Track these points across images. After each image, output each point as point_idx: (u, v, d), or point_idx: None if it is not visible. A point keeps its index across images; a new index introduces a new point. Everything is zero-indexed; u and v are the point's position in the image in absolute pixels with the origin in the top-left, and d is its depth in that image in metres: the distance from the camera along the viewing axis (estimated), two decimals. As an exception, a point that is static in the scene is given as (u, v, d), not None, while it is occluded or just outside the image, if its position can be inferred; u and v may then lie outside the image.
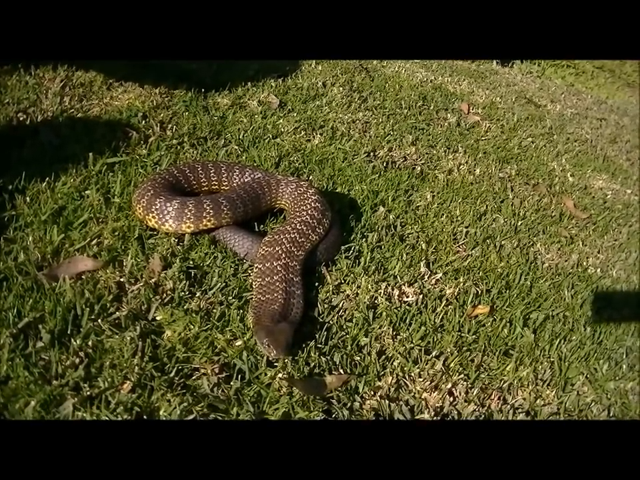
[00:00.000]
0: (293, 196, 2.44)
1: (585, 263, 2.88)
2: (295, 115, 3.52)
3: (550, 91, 5.83)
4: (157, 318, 1.87)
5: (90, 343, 1.71)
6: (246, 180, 2.49)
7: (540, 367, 2.12)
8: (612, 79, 7.80)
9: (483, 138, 4.01)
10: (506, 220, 3.02)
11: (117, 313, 1.83)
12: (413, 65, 5.18)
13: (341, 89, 4.08)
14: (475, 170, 3.48)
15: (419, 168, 3.32)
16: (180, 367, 1.72)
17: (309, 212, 2.32)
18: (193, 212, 2.18)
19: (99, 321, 1.78)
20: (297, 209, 2.37)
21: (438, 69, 5.32)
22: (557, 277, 2.67)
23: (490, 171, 3.52)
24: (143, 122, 2.98)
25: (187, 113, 3.19)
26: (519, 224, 3.03)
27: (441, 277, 2.40)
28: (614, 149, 4.68)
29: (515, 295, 2.43)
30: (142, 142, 2.79)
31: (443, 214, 2.89)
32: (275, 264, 2.08)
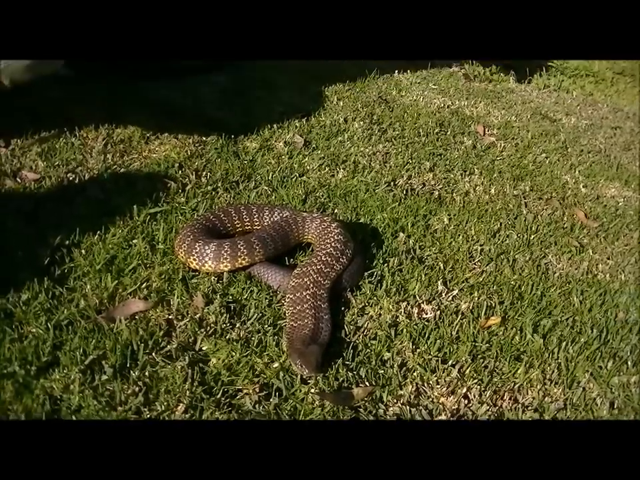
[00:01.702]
0: (318, 231, 2.68)
1: (594, 270, 3.06)
2: (319, 152, 3.76)
3: (566, 104, 5.96)
4: (203, 348, 2.12)
5: (147, 373, 1.96)
6: (275, 219, 2.73)
7: (548, 368, 2.32)
8: (632, 84, 7.83)
9: (498, 158, 4.19)
10: (519, 235, 3.22)
11: (168, 346, 2.08)
12: (430, 92, 5.38)
13: (362, 122, 4.30)
14: (490, 190, 3.68)
15: (437, 193, 3.54)
16: (225, 389, 1.97)
17: (333, 244, 2.56)
18: (229, 252, 2.43)
19: (153, 354, 2.04)
20: (322, 242, 2.62)
21: (455, 94, 5.47)
22: (566, 284, 2.86)
23: (505, 190, 3.72)
24: (180, 171, 3.24)
25: (219, 160, 3.44)
26: (532, 238, 3.22)
27: (457, 293, 2.62)
28: (627, 156, 4.79)
29: (526, 305, 2.63)
30: (180, 190, 3.05)
31: (459, 234, 3.10)
32: (304, 293, 2.33)
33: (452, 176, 3.79)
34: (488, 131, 4.70)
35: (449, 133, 4.48)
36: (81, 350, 2.00)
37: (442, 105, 5.13)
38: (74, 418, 1.78)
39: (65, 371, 1.93)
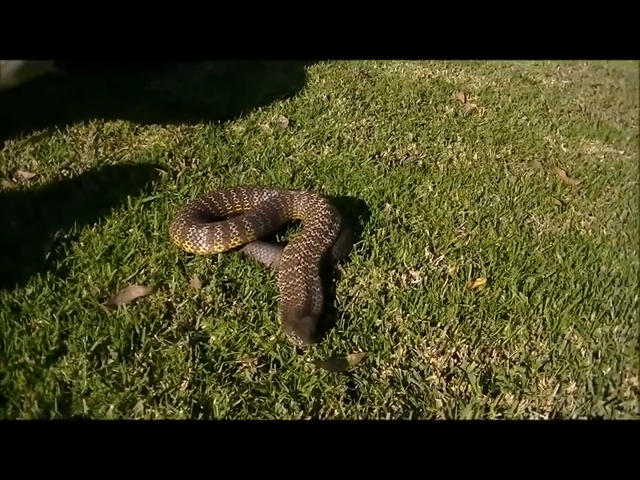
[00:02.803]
0: (306, 207, 2.77)
1: (577, 227, 3.15)
2: (304, 130, 3.84)
3: (545, 65, 6.02)
4: (202, 327, 2.21)
5: (150, 355, 2.05)
6: (264, 199, 2.82)
7: (534, 324, 2.41)
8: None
9: (480, 124, 4.27)
10: (502, 198, 3.31)
11: (169, 327, 2.17)
12: (411, 63, 5.43)
13: (344, 98, 4.39)
14: (472, 156, 3.76)
15: (421, 162, 3.62)
16: (225, 364, 2.05)
17: (321, 219, 2.65)
18: (221, 234, 2.52)
19: (155, 336, 2.13)
20: (310, 218, 2.71)
21: (435, 63, 5.53)
22: (550, 243, 2.95)
23: (487, 154, 3.81)
24: (170, 160, 3.33)
25: (207, 145, 3.53)
26: (515, 199, 3.31)
27: (443, 258, 2.70)
28: (607, 113, 4.87)
29: (511, 265, 2.72)
30: (171, 178, 3.14)
31: (444, 201, 3.19)
32: (296, 268, 2.42)
33: (435, 144, 3.88)
34: (469, 97, 4.78)
35: (430, 102, 4.56)
36: (87, 337, 2.09)
37: (423, 75, 5.20)
38: (84, 401, 1.87)
39: (72, 358, 2.02)
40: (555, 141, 4.16)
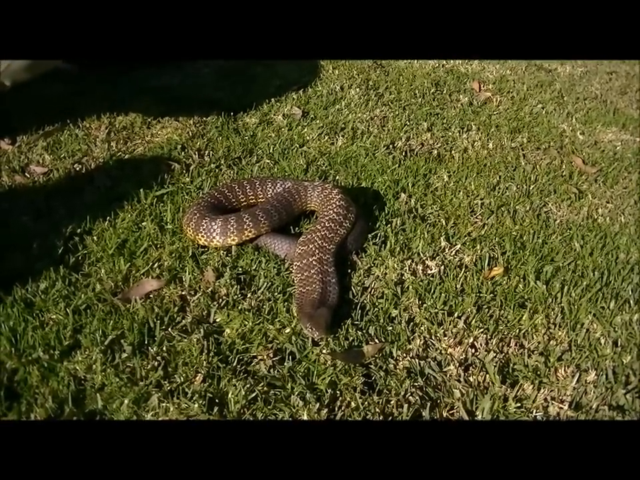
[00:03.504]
0: (320, 198, 2.76)
1: (594, 214, 3.11)
2: (318, 121, 3.82)
3: (561, 52, 6.01)
4: (217, 320, 2.19)
5: (164, 348, 2.04)
6: (278, 191, 2.80)
7: (552, 312, 2.38)
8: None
9: (494, 112, 4.24)
10: (518, 186, 3.28)
11: (183, 320, 2.16)
12: (424, 52, 5.41)
13: (358, 89, 4.36)
14: (488, 145, 3.73)
15: (436, 151, 3.60)
16: (240, 357, 2.04)
17: (335, 210, 2.64)
18: (235, 226, 2.50)
19: (169, 329, 2.12)
20: (325, 209, 2.69)
21: (449, 52, 5.53)
22: (567, 231, 2.92)
23: (502, 143, 3.78)
24: (183, 153, 3.32)
25: (220, 138, 3.51)
26: (531, 188, 3.28)
27: (460, 248, 2.68)
28: (624, 100, 4.83)
29: (528, 254, 2.69)
30: (184, 171, 3.12)
31: (459, 190, 3.16)
32: (311, 259, 2.40)
33: (450, 134, 3.85)
34: (483, 86, 4.75)
35: (444, 92, 4.54)
36: (100, 331, 2.08)
37: (436, 64, 5.17)
38: (98, 396, 1.86)
39: (86, 353, 2.01)
40: (570, 128, 4.12)
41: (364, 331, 2.20)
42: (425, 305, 2.35)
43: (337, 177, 3.20)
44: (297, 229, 2.76)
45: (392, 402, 1.94)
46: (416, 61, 5.14)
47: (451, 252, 2.67)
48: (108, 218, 2.67)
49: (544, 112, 4.34)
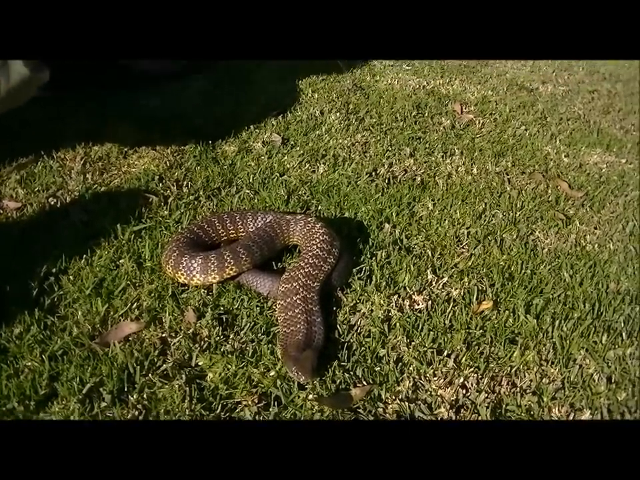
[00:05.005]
0: (303, 232, 2.68)
1: (582, 241, 3.06)
2: (298, 148, 3.74)
3: (541, 72, 5.97)
4: (199, 363, 2.12)
5: (145, 396, 1.96)
6: (259, 225, 2.73)
7: (543, 348, 2.33)
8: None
9: (477, 135, 4.19)
10: (505, 213, 3.22)
11: (164, 365, 2.08)
12: (404, 74, 5.36)
13: (338, 113, 4.28)
14: (472, 169, 3.67)
15: (419, 178, 3.53)
16: (224, 403, 1.97)
17: (318, 245, 2.57)
18: (215, 264, 2.43)
19: (150, 375, 2.04)
20: (308, 244, 2.62)
21: (429, 73, 5.46)
22: (556, 260, 2.86)
23: (487, 167, 3.72)
24: (160, 184, 3.23)
25: (198, 168, 3.43)
26: (517, 215, 3.23)
27: (447, 280, 2.62)
28: (607, 119, 4.80)
29: (517, 285, 2.63)
30: (162, 204, 3.03)
31: (444, 219, 3.10)
32: (295, 298, 2.33)
33: (433, 159, 3.78)
34: (465, 108, 4.70)
35: (426, 114, 4.47)
36: (78, 379, 2.00)
37: (417, 86, 5.11)
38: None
39: (63, 402, 1.94)
40: (555, 151, 4.08)
41: (351, 373, 2.14)
42: (413, 343, 2.28)
43: (319, 207, 3.13)
44: (279, 264, 2.68)
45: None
46: (396, 82, 5.09)
47: (438, 285, 2.60)
48: (84, 255, 2.58)
49: (527, 134, 4.29)
